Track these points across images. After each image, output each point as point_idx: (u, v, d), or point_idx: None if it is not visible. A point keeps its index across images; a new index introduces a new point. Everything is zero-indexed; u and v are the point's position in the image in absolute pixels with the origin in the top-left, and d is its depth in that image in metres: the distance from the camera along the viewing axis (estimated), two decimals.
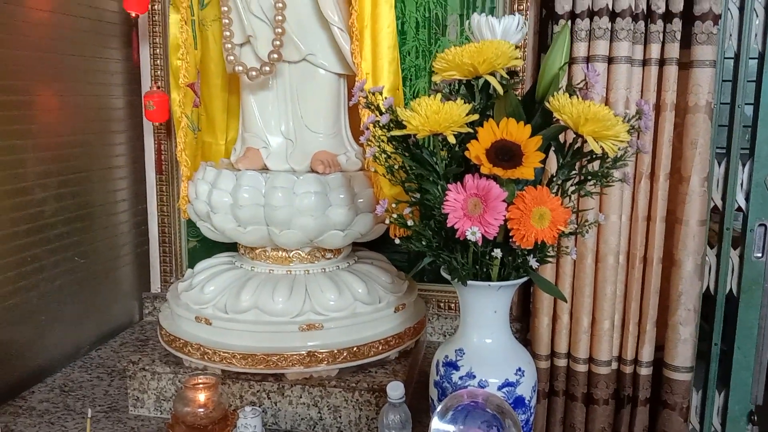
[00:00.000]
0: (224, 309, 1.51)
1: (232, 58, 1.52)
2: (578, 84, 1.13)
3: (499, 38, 1.15)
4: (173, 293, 1.66)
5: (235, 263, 1.67)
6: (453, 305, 1.97)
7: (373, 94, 1.15)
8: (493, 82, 1.07)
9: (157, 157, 2.03)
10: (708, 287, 1.82)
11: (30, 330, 1.71)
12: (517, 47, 1.13)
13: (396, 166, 1.15)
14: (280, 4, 1.47)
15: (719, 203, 1.81)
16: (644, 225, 1.74)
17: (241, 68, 1.51)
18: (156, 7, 1.93)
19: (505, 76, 1.10)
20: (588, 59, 1.68)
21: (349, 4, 1.50)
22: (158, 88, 1.93)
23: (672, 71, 1.66)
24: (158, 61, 1.99)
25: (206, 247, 2.07)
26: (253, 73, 1.50)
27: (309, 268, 1.61)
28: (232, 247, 1.73)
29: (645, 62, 1.68)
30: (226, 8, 1.51)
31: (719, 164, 1.79)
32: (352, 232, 1.55)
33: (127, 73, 2.02)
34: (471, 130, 1.06)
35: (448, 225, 1.05)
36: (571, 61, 1.66)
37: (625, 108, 1.67)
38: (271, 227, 1.50)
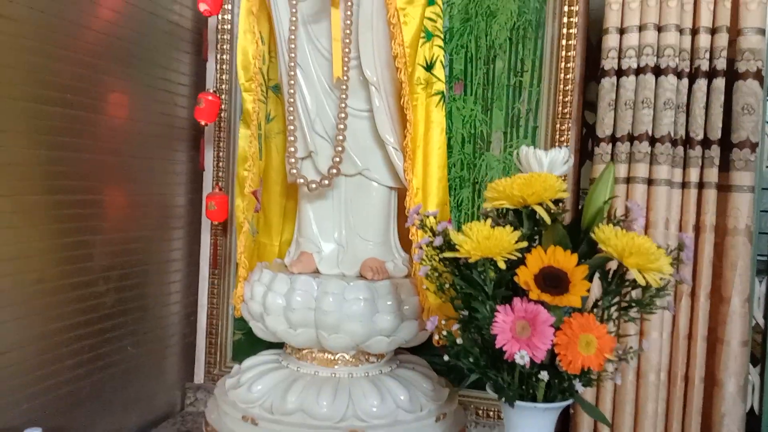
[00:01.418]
0: (270, 410, 1.55)
1: (294, 171, 1.64)
2: (622, 216, 1.20)
3: (546, 170, 1.24)
4: (221, 389, 1.72)
5: (282, 362, 1.72)
6: (492, 413, 1.97)
7: (427, 216, 1.23)
8: (542, 212, 1.15)
9: (213, 253, 2.13)
10: (752, 406, 1.80)
11: (81, 417, 1.76)
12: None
13: (446, 285, 1.22)
14: (342, 126, 1.60)
15: (761, 321, 1.82)
16: (685, 343, 1.75)
17: (302, 181, 1.62)
18: (223, 115, 2.10)
19: (552, 207, 1.17)
20: (628, 180, 1.76)
21: (403, 126, 1.62)
22: (220, 189, 2.06)
23: (711, 194, 1.73)
24: (221, 164, 2.14)
25: (251, 341, 2.12)
26: (313, 185, 1.61)
27: (353, 372, 1.65)
28: (275, 342, 1.79)
29: (684, 185, 1.75)
30: (292, 126, 1.65)
31: (760, 283, 1.82)
32: (397, 338, 1.60)
33: (190, 174, 2.17)
34: (520, 255, 1.13)
35: (497, 346, 1.10)
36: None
37: (665, 228, 1.73)
38: (320, 330, 1.57)
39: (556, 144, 1.90)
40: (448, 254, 1.18)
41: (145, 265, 2.01)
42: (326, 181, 1.62)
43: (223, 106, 2.08)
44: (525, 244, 1.14)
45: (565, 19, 1.86)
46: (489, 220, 1.20)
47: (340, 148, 1.61)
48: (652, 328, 1.72)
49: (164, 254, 2.10)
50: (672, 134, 1.73)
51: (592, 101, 1.93)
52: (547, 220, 1.16)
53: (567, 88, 1.88)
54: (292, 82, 1.64)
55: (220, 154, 2.13)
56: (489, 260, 1.13)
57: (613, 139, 1.78)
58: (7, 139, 1.49)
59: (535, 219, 1.24)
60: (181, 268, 2.18)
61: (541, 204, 1.18)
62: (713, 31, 1.71)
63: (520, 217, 1.24)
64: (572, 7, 1.85)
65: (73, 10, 1.65)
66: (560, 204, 1.24)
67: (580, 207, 1.95)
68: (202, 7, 1.91)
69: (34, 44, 1.55)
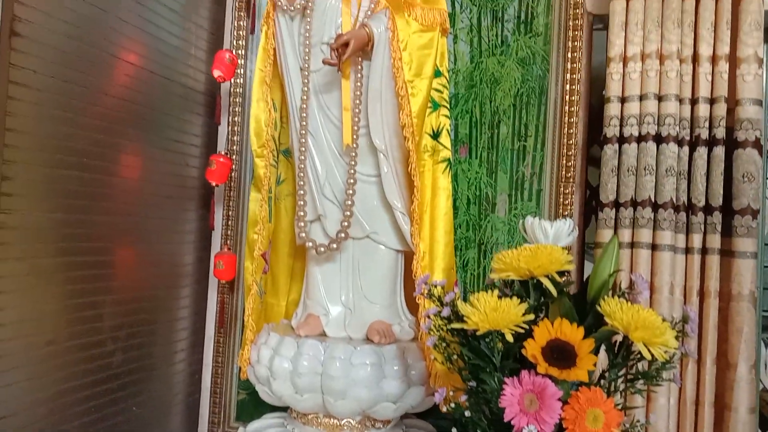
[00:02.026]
0: None
1: (303, 235, 1.67)
2: (627, 289, 1.22)
3: (551, 241, 1.27)
4: None
5: (287, 426, 1.72)
6: None
7: (435, 286, 1.25)
8: (548, 285, 1.17)
9: (220, 311, 2.15)
10: None
11: None
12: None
13: (454, 356, 1.23)
14: (351, 191, 1.64)
15: None
16: (693, 409, 1.74)
17: (311, 244, 1.65)
18: (233, 175, 2.14)
19: (558, 279, 1.19)
20: (632, 245, 1.78)
21: (410, 192, 1.66)
22: (228, 249, 2.09)
23: (714, 260, 1.75)
24: (230, 222, 2.17)
25: (255, 402, 2.11)
26: (322, 249, 1.64)
27: None
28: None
29: (688, 250, 1.77)
30: (302, 191, 1.69)
31: (767, 346, 1.82)
32: (403, 404, 1.60)
33: (199, 232, 2.20)
34: (527, 327, 1.15)
35: (506, 420, 1.10)
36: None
37: (669, 293, 1.75)
38: (326, 396, 1.57)
39: (560, 207, 1.94)
40: (456, 325, 1.19)
41: (152, 324, 2.02)
42: (335, 245, 1.65)
43: (233, 167, 2.12)
44: (532, 316, 1.15)
45: (567, 87, 1.93)
46: (496, 291, 1.21)
47: (348, 213, 1.65)
48: (659, 394, 1.71)
49: (172, 312, 2.12)
50: (674, 200, 1.76)
51: (596, 156, 1.96)
52: (554, 292, 1.18)
53: (570, 152, 1.93)
54: (303, 148, 1.69)
55: (230, 213, 2.17)
56: (497, 332, 1.14)
57: (617, 205, 1.81)
58: (26, 203, 1.53)
59: (541, 289, 1.26)
60: (188, 326, 2.19)
61: (547, 276, 1.20)
62: (712, 101, 1.76)
63: (527, 287, 1.26)
64: (574, 75, 1.92)
65: (92, 78, 1.71)
66: (566, 275, 1.26)
67: (585, 273, 1.97)
68: (216, 73, 1.98)
69: (55, 112, 1.60)
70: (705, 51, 1.75)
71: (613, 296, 1.19)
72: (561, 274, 1.25)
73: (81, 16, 1.66)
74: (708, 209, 1.76)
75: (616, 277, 1.22)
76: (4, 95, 1.44)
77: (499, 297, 1.20)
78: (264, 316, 1.87)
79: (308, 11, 1.66)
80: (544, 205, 1.98)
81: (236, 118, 2.16)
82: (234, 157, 2.14)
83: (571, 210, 1.93)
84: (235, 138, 2.17)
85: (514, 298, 1.19)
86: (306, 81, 1.67)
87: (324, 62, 1.58)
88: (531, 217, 1.32)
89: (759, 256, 1.75)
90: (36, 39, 1.52)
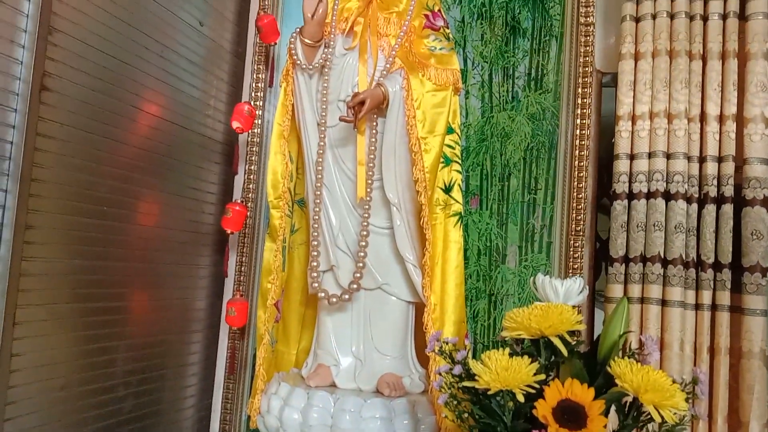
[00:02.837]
0: None
1: (316, 285, 1.69)
2: (637, 349, 1.23)
3: (561, 300, 1.28)
4: None
5: None
6: None
7: (447, 343, 1.27)
8: (559, 345, 1.18)
9: (230, 357, 2.16)
10: None
11: None
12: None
13: (465, 414, 1.23)
14: (364, 243, 1.67)
15: None
16: None
17: (323, 294, 1.67)
18: (248, 222, 2.18)
19: (568, 338, 1.21)
20: (642, 301, 1.79)
21: (422, 244, 1.69)
22: (240, 295, 2.12)
23: (724, 317, 1.75)
24: (243, 268, 2.20)
25: None
26: (334, 299, 1.66)
27: None
28: None
29: (698, 306, 1.78)
30: (316, 242, 1.72)
31: None
32: None
33: (212, 278, 2.23)
34: (538, 386, 1.15)
35: None
36: (626, 300, 1.78)
37: (680, 349, 1.75)
38: None
39: (571, 260, 1.95)
40: (467, 383, 1.20)
41: (163, 369, 2.04)
42: (347, 296, 1.67)
43: (248, 214, 2.16)
44: (543, 376, 1.16)
45: (577, 142, 1.97)
46: (507, 349, 1.23)
47: (361, 264, 1.67)
48: None
49: (182, 358, 2.13)
50: (684, 257, 1.77)
51: (606, 204, 1.98)
52: (564, 352, 1.19)
53: (580, 206, 1.95)
54: (318, 200, 1.73)
55: (243, 259, 2.20)
56: (508, 391, 1.15)
57: (627, 260, 1.82)
58: (47, 251, 1.57)
59: (552, 348, 1.27)
60: (198, 371, 2.20)
61: (558, 336, 1.21)
62: (720, 160, 1.79)
63: (538, 345, 1.27)
64: (584, 131, 1.96)
65: (114, 128, 1.78)
66: (576, 334, 1.27)
67: (595, 322, 1.98)
68: (235, 124, 2.04)
69: (77, 161, 1.66)
70: (712, 111, 1.79)
71: (623, 357, 1.20)
72: (572, 333, 1.26)
73: (106, 71, 1.73)
74: (717, 266, 1.77)
75: (626, 338, 1.23)
76: (32, 147, 1.50)
77: (510, 355, 1.21)
78: (274, 364, 1.88)
79: (326, 69, 1.72)
80: (554, 257, 2.00)
81: (252, 167, 2.21)
82: (249, 204, 2.18)
83: (581, 263, 1.95)
84: (251, 186, 2.21)
85: (525, 357, 1.20)
86: (322, 136, 1.72)
87: (341, 119, 1.63)
88: (542, 275, 1.34)
89: None
90: (64, 92, 1.59)
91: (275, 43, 2.17)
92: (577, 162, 1.97)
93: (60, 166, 1.60)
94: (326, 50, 1.72)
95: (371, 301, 1.75)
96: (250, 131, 2.17)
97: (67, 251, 1.64)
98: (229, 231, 2.07)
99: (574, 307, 1.27)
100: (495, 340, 1.99)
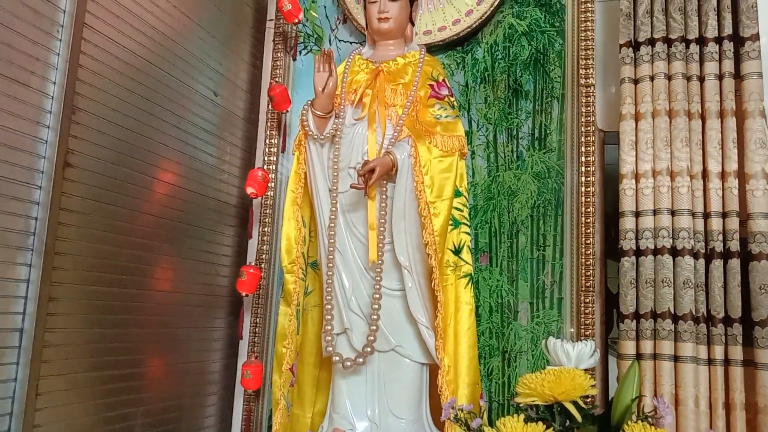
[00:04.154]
0: None
1: (330, 348, 1.72)
2: (651, 413, 1.24)
3: (573, 364, 1.30)
4: None
5: None
6: None
7: (462, 410, 1.29)
8: (573, 411, 1.20)
9: (246, 421, 2.16)
10: None
11: None
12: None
13: None
14: (376, 305, 1.70)
15: None
16: None
17: (337, 358, 1.70)
18: (262, 283, 2.22)
19: (582, 403, 1.22)
20: (655, 357, 1.80)
21: (434, 305, 1.72)
22: (255, 358, 2.14)
23: (738, 372, 1.75)
24: (257, 329, 2.22)
25: None
26: (348, 363, 1.69)
27: None
28: None
29: (710, 362, 1.78)
30: (329, 306, 1.75)
31: None
32: None
33: (227, 340, 2.26)
34: None
35: None
36: (639, 356, 1.79)
37: (695, 405, 1.74)
38: None
39: (582, 316, 1.97)
40: None
41: None
42: (361, 359, 1.69)
43: (262, 274, 2.20)
44: None
45: (582, 199, 2.00)
46: (522, 415, 1.24)
47: (374, 327, 1.70)
48: None
49: (198, 421, 2.14)
50: (694, 312, 1.79)
51: (614, 258, 1.99)
52: (579, 417, 1.20)
53: (588, 262, 1.97)
54: (331, 264, 1.77)
55: (257, 321, 2.23)
56: None
57: (637, 316, 1.84)
58: (69, 321, 1.61)
59: (566, 413, 1.28)
60: None
61: (571, 401, 1.23)
62: (724, 215, 1.82)
63: (552, 410, 1.29)
64: (589, 189, 2.00)
65: (133, 199, 1.84)
66: (590, 398, 1.29)
67: (609, 373, 1.97)
68: (249, 190, 2.10)
69: (98, 233, 1.71)
70: (714, 168, 1.84)
71: (637, 420, 1.21)
72: (585, 398, 1.28)
73: (125, 144, 1.80)
74: (728, 320, 1.78)
75: (639, 400, 1.25)
76: (56, 222, 1.56)
77: (525, 421, 1.22)
78: (290, 428, 1.89)
79: (337, 139, 1.79)
80: (565, 313, 2.02)
81: (266, 228, 2.26)
82: (263, 266, 2.22)
83: (593, 319, 1.96)
84: (264, 247, 2.25)
85: (540, 423, 1.21)
86: (334, 201, 1.78)
87: (352, 186, 1.68)
88: (553, 339, 1.36)
89: None
90: (85, 168, 1.66)
91: (287, 111, 2.24)
92: (584, 219, 2.00)
93: (81, 238, 1.65)
94: (337, 120, 1.79)
95: (385, 363, 1.77)
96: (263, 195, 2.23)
97: (87, 321, 1.68)
98: (243, 293, 2.11)
99: (586, 371, 1.29)
100: (510, 401, 1.99)
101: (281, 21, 2.30)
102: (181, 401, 2.06)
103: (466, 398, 1.65)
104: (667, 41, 1.93)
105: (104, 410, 1.74)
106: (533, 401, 1.25)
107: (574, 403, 1.23)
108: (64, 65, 1.58)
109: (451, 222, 1.75)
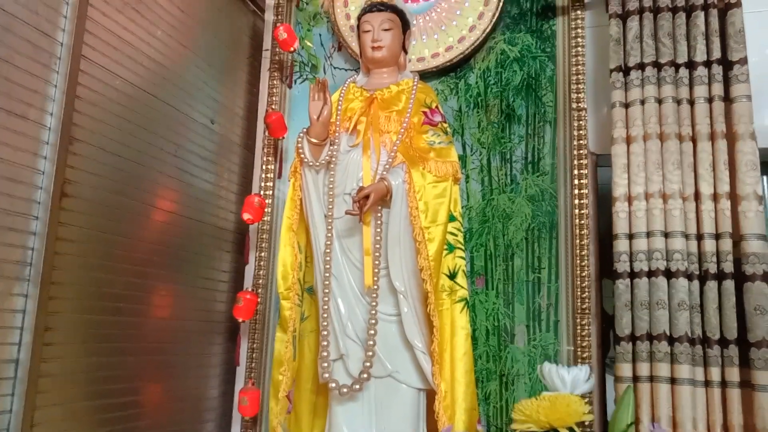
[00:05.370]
0: None
1: (327, 375, 1.72)
2: None
3: (569, 390, 1.31)
4: None
5: None
6: None
7: None
8: None
9: None
10: None
11: None
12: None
13: None
14: (372, 331, 1.70)
15: None
16: None
17: (334, 385, 1.70)
18: (259, 308, 2.22)
19: (577, 430, 1.23)
20: (651, 379, 1.79)
21: (430, 330, 1.72)
22: (252, 383, 2.13)
23: (735, 393, 1.75)
24: (255, 355, 2.22)
25: None
26: (345, 390, 1.68)
27: None
28: None
29: (707, 383, 1.78)
30: (325, 332, 1.75)
31: None
32: None
33: (224, 366, 2.26)
34: None
35: None
36: (635, 378, 1.79)
37: (693, 428, 1.74)
38: None
39: (578, 338, 1.96)
40: None
41: None
42: (357, 386, 1.69)
43: (258, 300, 2.20)
44: None
45: (576, 221, 2.01)
46: None
47: (370, 353, 1.70)
48: None
49: None
50: (689, 334, 1.79)
51: (610, 278, 1.99)
52: None
53: (584, 284, 1.98)
54: (327, 290, 1.78)
55: (254, 346, 2.22)
56: None
57: (633, 338, 1.84)
58: (65, 350, 1.62)
59: None
60: None
61: (567, 428, 1.23)
62: (717, 237, 1.83)
63: None
64: (583, 211, 2.01)
65: (130, 227, 1.85)
66: (586, 423, 1.29)
67: (607, 391, 1.96)
68: (246, 216, 2.12)
69: (95, 261, 1.72)
70: (706, 190, 1.85)
71: None
72: (581, 424, 1.28)
73: (123, 172, 1.81)
74: (724, 342, 1.78)
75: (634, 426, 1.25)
76: (52, 252, 1.56)
77: None
78: None
79: (332, 165, 1.80)
80: (562, 335, 2.02)
81: (263, 254, 2.26)
82: (260, 291, 2.22)
83: (589, 341, 1.96)
84: (261, 273, 2.26)
85: None
86: (330, 227, 1.79)
87: (347, 213, 1.70)
88: (548, 364, 1.37)
89: None
90: (82, 197, 1.67)
91: (283, 137, 2.27)
92: (578, 241, 2.01)
93: (78, 267, 1.66)
94: (332, 147, 1.81)
95: (382, 389, 1.76)
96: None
97: (84, 350, 1.68)
98: (240, 319, 2.11)
99: (582, 396, 1.29)
100: (507, 426, 1.98)
101: (277, 50, 2.34)
102: (178, 428, 2.05)
103: (464, 424, 1.64)
104: (657, 65, 1.95)
105: None
106: (529, 428, 1.25)
107: (570, 429, 1.23)
108: (61, 97, 1.60)
109: (445, 247, 1.76)
